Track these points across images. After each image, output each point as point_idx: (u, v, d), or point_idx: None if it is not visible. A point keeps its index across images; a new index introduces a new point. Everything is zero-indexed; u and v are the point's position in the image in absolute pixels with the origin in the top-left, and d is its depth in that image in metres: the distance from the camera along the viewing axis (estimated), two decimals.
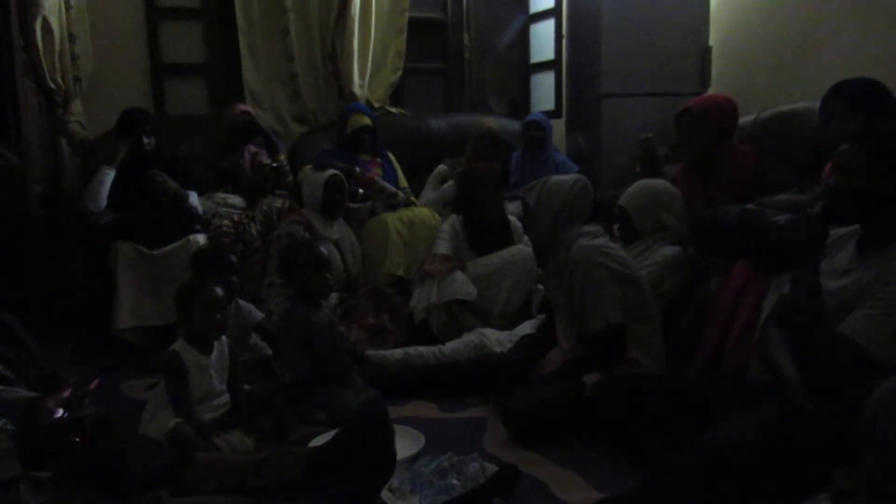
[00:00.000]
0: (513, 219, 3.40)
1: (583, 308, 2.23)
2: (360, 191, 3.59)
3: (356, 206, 3.55)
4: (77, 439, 1.68)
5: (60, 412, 1.84)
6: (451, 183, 3.70)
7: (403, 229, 3.44)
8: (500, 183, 3.58)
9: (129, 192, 3.25)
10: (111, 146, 3.37)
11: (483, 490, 1.71)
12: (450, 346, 2.83)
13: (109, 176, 3.25)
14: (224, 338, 2.27)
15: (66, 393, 1.98)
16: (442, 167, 3.94)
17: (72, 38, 3.77)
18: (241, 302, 2.80)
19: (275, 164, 3.66)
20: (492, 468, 1.87)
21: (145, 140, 3.31)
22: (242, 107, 3.79)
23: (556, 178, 2.40)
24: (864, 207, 1.67)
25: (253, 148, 3.76)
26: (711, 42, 4.06)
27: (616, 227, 2.83)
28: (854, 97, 2.31)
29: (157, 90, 4.19)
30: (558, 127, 4.25)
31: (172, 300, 2.23)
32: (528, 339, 2.68)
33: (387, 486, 1.73)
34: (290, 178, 3.71)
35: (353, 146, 3.74)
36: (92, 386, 1.99)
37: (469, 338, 2.87)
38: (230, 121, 3.68)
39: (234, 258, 2.84)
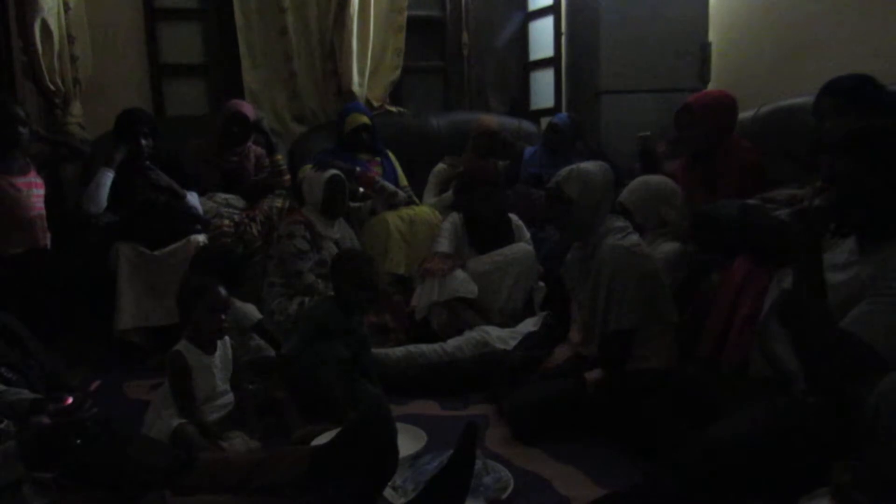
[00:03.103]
0: (514, 216, 3.41)
1: (605, 307, 2.23)
2: (361, 190, 3.59)
3: (357, 205, 3.56)
4: (79, 441, 1.68)
5: (64, 411, 1.84)
6: (450, 193, 3.70)
7: (404, 228, 3.44)
8: (505, 180, 3.58)
9: (129, 192, 3.25)
10: (110, 147, 3.37)
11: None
12: (451, 344, 2.83)
13: (109, 177, 3.25)
14: (227, 338, 2.28)
15: (70, 395, 1.98)
16: (441, 166, 3.94)
17: (70, 39, 3.77)
18: (238, 303, 2.80)
19: (266, 166, 3.66)
20: (494, 465, 1.88)
21: (143, 142, 3.30)
22: (234, 104, 3.68)
23: (586, 166, 2.38)
24: (856, 211, 1.68)
25: (258, 150, 3.76)
26: (711, 38, 4.06)
27: None
28: (846, 94, 2.31)
29: (156, 91, 4.20)
30: None
31: (174, 300, 2.23)
32: (533, 338, 2.67)
33: (390, 484, 1.73)
34: (287, 177, 3.70)
35: (351, 145, 3.74)
36: (93, 387, 1.99)
37: (471, 335, 2.87)
38: (221, 120, 3.66)
39: (237, 259, 2.85)
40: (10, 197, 2.95)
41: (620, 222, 2.36)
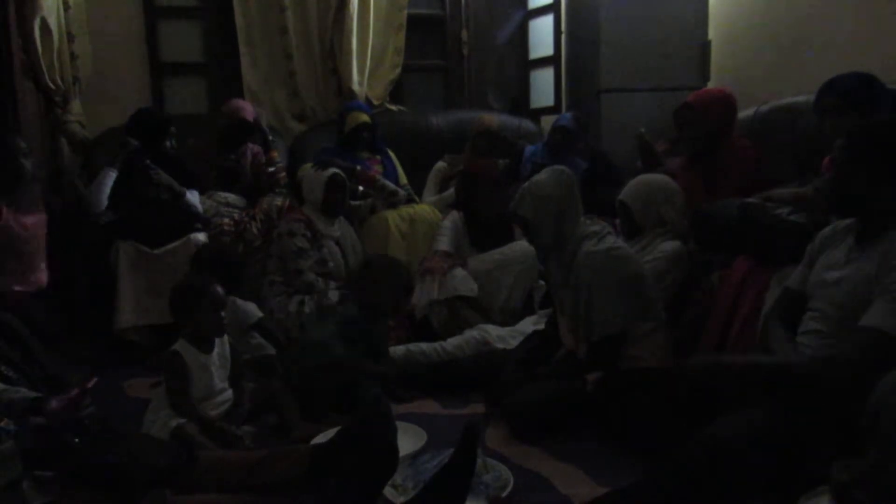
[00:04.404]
0: None
1: (588, 313, 2.23)
2: (361, 188, 3.59)
3: (357, 203, 3.56)
4: (77, 440, 1.69)
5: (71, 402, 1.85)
6: (450, 191, 3.70)
7: (404, 226, 3.44)
8: (505, 179, 3.58)
9: (129, 191, 3.25)
10: (117, 145, 3.35)
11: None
12: (451, 343, 2.83)
13: (111, 176, 3.25)
14: (225, 335, 2.28)
15: (71, 394, 1.98)
16: (441, 164, 3.94)
17: (70, 37, 3.77)
18: (239, 301, 2.80)
19: (270, 170, 3.66)
20: (494, 464, 1.88)
21: (168, 144, 3.33)
22: (236, 107, 3.71)
23: (538, 180, 2.36)
24: (852, 203, 1.68)
25: (256, 148, 3.75)
26: (711, 36, 4.06)
27: (617, 222, 2.83)
28: (846, 93, 2.31)
29: (156, 89, 4.19)
30: None
31: (169, 300, 2.23)
32: (536, 337, 2.67)
33: (390, 482, 1.73)
34: (283, 174, 3.70)
35: (352, 144, 3.74)
36: (90, 384, 1.99)
37: (471, 334, 2.87)
38: (223, 118, 3.66)
39: (237, 258, 2.86)
40: (16, 236, 2.85)
41: (595, 226, 2.33)
